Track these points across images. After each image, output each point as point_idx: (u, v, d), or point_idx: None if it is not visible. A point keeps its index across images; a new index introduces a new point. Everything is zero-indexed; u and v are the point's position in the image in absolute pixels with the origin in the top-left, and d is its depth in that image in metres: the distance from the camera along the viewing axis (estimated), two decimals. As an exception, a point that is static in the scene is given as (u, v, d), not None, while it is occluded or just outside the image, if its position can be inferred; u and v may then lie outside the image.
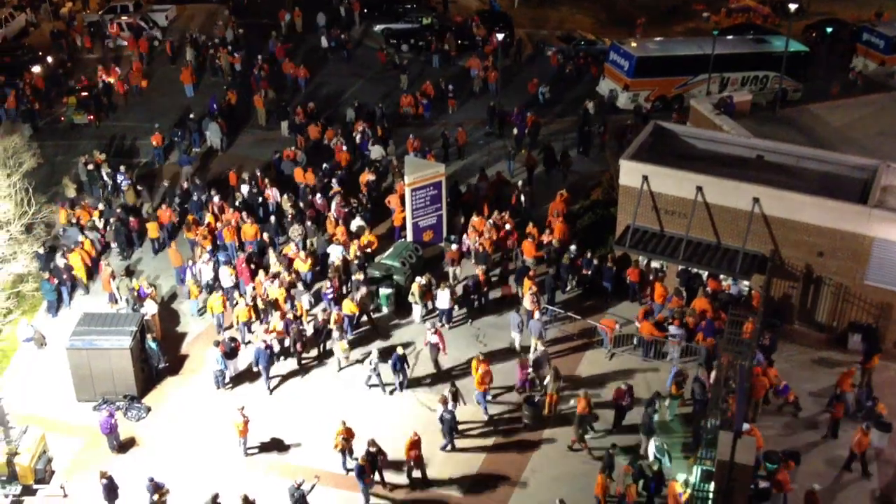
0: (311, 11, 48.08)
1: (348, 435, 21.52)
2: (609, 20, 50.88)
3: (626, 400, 22.39)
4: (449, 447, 22.17)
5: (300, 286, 27.82)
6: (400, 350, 23.88)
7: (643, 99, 39.46)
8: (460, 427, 22.31)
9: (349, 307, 26.06)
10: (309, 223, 29.98)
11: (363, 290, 26.51)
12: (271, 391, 24.44)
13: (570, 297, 27.75)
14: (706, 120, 31.02)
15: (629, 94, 39.45)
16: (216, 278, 27.58)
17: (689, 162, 27.11)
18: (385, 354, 24.63)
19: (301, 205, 31.16)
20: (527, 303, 25.82)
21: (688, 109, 34.44)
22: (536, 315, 25.12)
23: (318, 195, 31.43)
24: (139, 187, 33.39)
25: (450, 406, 22.11)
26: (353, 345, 25.59)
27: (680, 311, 25.13)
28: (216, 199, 31.04)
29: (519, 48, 45.65)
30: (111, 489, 20.45)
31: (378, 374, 24.06)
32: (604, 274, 27.37)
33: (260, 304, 26.47)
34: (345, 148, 34.86)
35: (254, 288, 26.83)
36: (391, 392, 24.11)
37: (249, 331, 26.10)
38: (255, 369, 24.68)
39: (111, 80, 41.37)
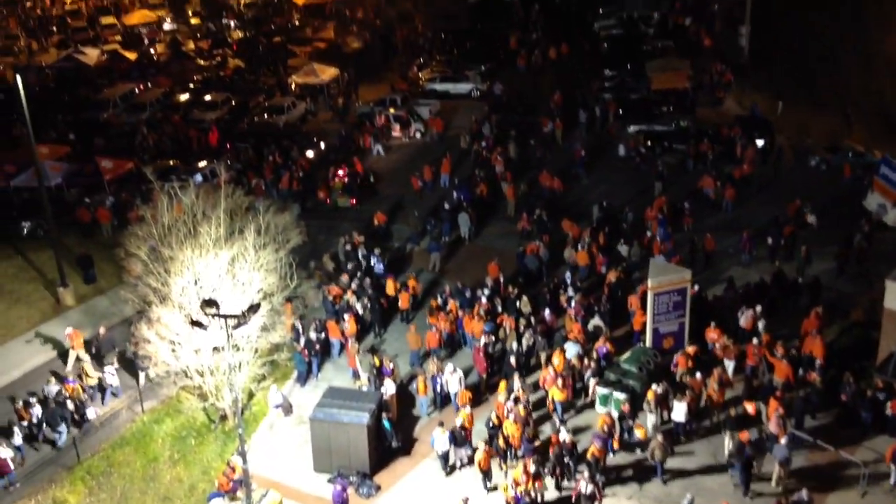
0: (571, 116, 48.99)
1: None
2: (882, 131, 47.95)
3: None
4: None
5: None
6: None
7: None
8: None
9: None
10: (539, 337, 29.76)
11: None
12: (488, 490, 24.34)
13: (822, 423, 25.82)
14: None
15: (897, 212, 36.85)
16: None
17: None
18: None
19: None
20: (772, 425, 24.30)
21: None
22: (783, 440, 23.55)
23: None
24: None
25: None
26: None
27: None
28: (483, 298, 31.42)
29: (779, 156, 44.01)
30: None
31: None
32: (862, 403, 25.29)
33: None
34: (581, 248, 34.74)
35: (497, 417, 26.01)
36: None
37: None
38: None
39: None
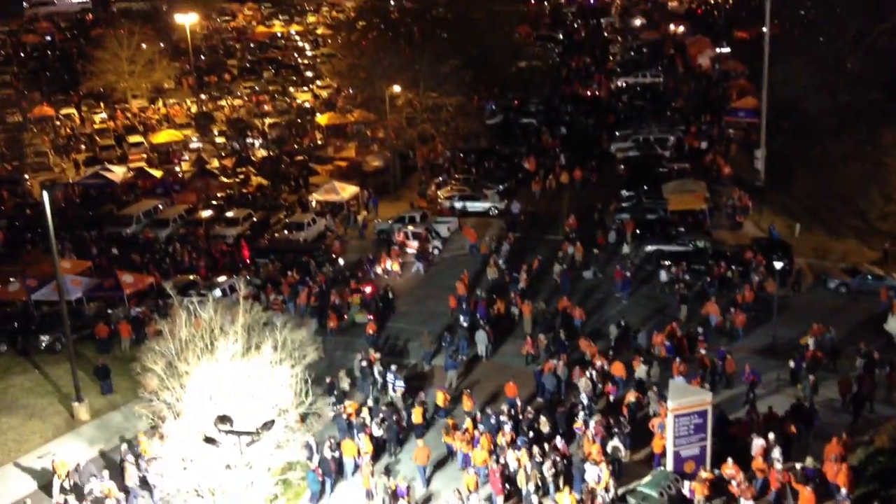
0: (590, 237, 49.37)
1: None
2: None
3: None
4: None
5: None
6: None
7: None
8: None
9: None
10: (556, 457, 29.17)
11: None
12: None
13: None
14: None
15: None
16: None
17: None
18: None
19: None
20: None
21: None
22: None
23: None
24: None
25: None
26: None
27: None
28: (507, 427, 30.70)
29: (798, 278, 43.96)
30: None
31: None
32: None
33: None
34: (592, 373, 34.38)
35: None
36: None
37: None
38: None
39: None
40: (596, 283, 44.77)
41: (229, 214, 54.59)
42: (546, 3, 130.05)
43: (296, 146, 69.64)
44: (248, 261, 48.52)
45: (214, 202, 58.02)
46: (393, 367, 35.60)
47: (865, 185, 48.92)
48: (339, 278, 46.16)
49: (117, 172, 62.46)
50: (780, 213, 52.61)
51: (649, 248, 47.59)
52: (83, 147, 71.90)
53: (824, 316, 38.83)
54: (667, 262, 44.84)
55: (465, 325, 39.30)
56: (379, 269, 47.22)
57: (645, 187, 54.54)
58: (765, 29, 58.95)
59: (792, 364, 34.57)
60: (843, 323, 38.87)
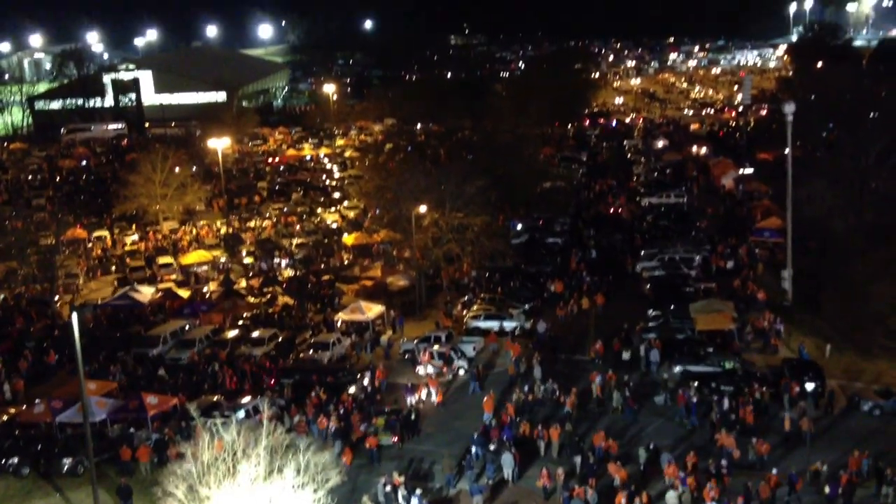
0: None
1: None
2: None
3: None
4: None
5: None
6: None
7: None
8: None
9: None
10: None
11: None
12: None
13: None
14: None
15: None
16: None
17: None
18: None
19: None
20: None
21: None
22: None
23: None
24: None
25: None
26: None
27: None
28: None
29: (831, 400, 43.06)
30: None
31: None
32: None
33: None
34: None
35: None
36: None
37: None
38: None
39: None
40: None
41: (255, 334, 54.73)
42: (570, 126, 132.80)
43: (322, 266, 70.24)
44: (273, 381, 48.30)
45: (241, 322, 58.25)
46: (418, 492, 34.89)
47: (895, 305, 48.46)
48: (369, 400, 45.68)
49: (145, 293, 63.07)
50: (809, 333, 51.97)
51: (677, 368, 46.97)
52: (114, 268, 72.86)
53: (859, 440, 37.83)
54: (695, 383, 44.19)
55: (491, 447, 38.60)
56: (414, 398, 45.79)
57: (672, 307, 54.27)
58: (787, 151, 59.63)
59: (827, 490, 33.54)
60: (880, 447, 37.78)
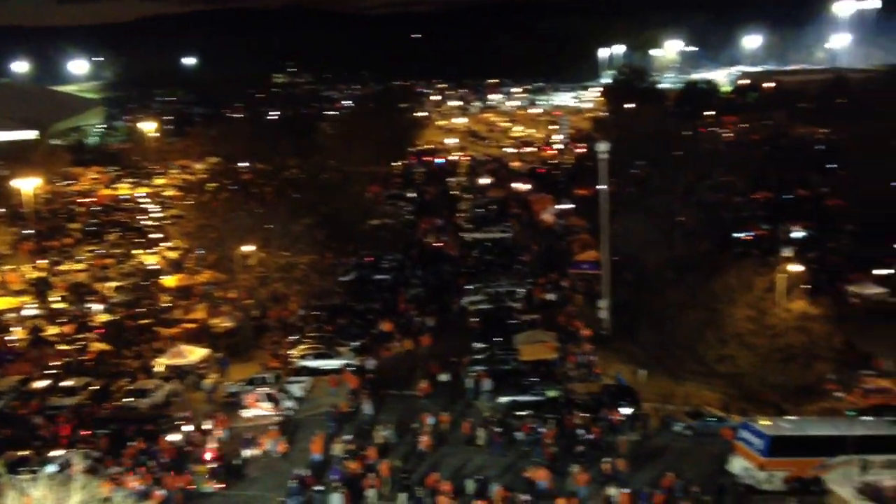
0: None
1: None
2: (738, 396, 50.14)
3: None
4: None
5: None
6: None
7: (780, 479, 37.68)
8: None
9: None
10: None
11: None
12: None
13: None
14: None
15: (764, 474, 37.78)
16: None
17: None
18: None
19: None
20: None
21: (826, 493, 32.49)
22: None
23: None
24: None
25: None
26: None
27: None
28: None
29: (645, 423, 45.07)
30: None
31: None
32: None
33: None
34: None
35: None
36: None
37: None
38: None
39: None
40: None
41: (67, 383, 51.74)
42: (397, 164, 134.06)
43: (140, 310, 67.41)
44: (87, 432, 45.68)
45: (51, 371, 54.93)
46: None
47: (702, 331, 51.39)
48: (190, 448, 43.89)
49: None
50: (626, 360, 54.39)
51: (504, 398, 47.92)
52: None
53: (672, 461, 39.74)
54: (521, 413, 45.18)
55: (317, 488, 37.94)
56: (253, 451, 43.40)
57: (497, 339, 55.40)
58: (602, 187, 62.46)
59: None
60: (691, 466, 39.79)
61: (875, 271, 69.06)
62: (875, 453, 37.78)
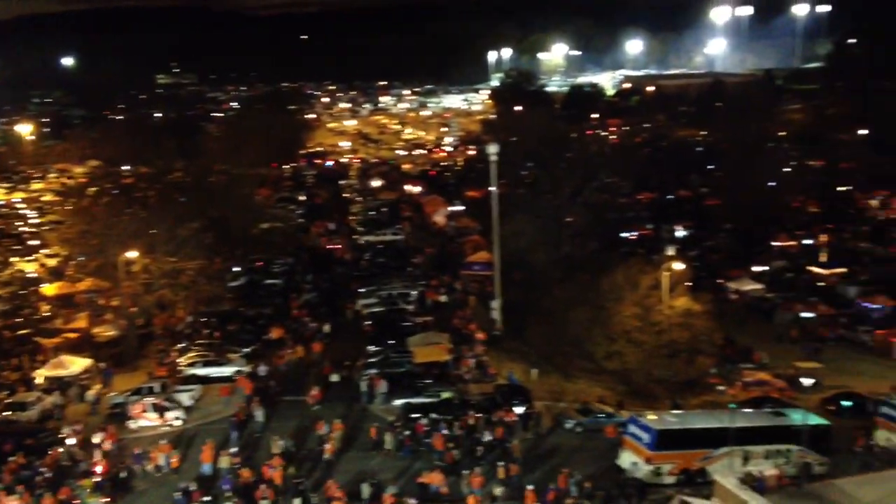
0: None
1: None
2: (626, 392, 51.42)
3: None
4: None
5: None
6: None
7: (667, 472, 38.82)
8: None
9: None
10: None
11: None
12: None
13: None
14: (732, 496, 30.11)
15: (651, 468, 38.86)
16: None
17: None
18: None
19: None
20: None
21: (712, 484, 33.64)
22: None
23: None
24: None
25: None
26: None
27: None
28: None
29: (538, 421, 45.74)
30: None
31: None
32: None
33: None
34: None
35: None
36: None
37: None
38: None
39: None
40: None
41: (-63, 398, 49.20)
42: (287, 166, 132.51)
43: (18, 320, 64.57)
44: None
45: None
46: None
47: (591, 329, 52.51)
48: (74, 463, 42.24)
49: None
50: (517, 359, 55.08)
51: (398, 401, 47.86)
52: None
53: (565, 458, 40.45)
54: (416, 415, 45.19)
55: (205, 498, 37.14)
56: (144, 466, 41.64)
57: (391, 341, 55.31)
58: (492, 189, 63.13)
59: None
60: (583, 462, 40.61)
61: (752, 268, 72.07)
62: (756, 444, 39.37)
